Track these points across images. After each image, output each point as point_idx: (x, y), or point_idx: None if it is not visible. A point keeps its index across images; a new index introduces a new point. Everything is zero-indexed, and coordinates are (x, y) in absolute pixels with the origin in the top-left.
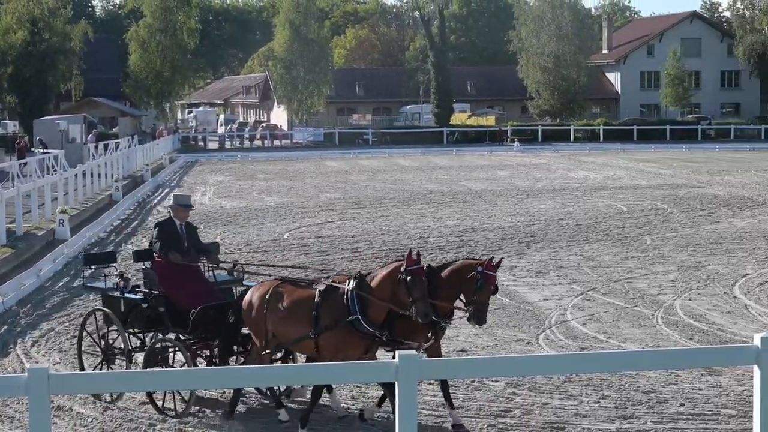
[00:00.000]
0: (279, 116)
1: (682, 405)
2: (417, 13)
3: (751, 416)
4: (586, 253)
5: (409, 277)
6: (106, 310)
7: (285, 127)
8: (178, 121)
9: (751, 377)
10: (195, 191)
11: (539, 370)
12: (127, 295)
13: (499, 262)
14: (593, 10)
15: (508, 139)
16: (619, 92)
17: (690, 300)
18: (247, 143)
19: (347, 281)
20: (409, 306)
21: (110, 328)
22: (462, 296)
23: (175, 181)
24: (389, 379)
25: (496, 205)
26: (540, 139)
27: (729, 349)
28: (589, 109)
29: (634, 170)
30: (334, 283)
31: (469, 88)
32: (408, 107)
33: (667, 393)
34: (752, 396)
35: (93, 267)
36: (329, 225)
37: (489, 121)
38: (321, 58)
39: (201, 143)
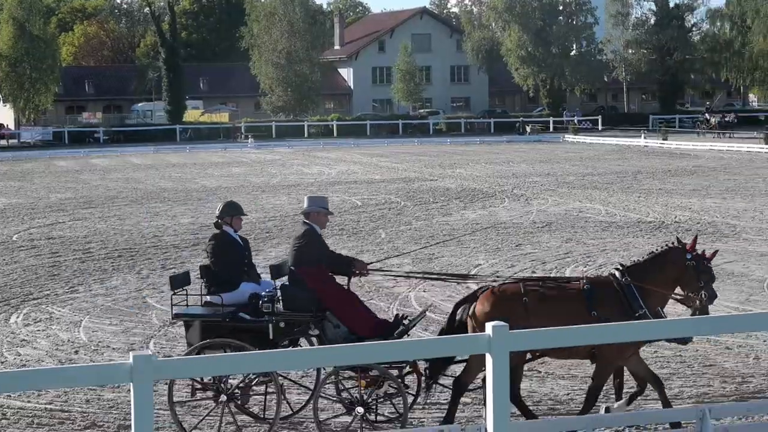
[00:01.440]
0: (5, 115)
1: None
2: (147, 10)
3: (484, 403)
4: None
5: (696, 262)
6: (238, 342)
7: (12, 127)
8: None
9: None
10: None
11: (279, 366)
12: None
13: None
14: (325, 6)
15: (242, 136)
16: (352, 88)
17: (424, 291)
18: None
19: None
20: (698, 292)
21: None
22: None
23: None
24: (123, 381)
25: None
26: (274, 135)
27: (464, 338)
28: (322, 105)
29: (368, 165)
30: (598, 277)
31: (201, 85)
32: (140, 105)
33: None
34: (485, 384)
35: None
36: (60, 225)
37: (222, 118)
38: (48, 56)
39: None
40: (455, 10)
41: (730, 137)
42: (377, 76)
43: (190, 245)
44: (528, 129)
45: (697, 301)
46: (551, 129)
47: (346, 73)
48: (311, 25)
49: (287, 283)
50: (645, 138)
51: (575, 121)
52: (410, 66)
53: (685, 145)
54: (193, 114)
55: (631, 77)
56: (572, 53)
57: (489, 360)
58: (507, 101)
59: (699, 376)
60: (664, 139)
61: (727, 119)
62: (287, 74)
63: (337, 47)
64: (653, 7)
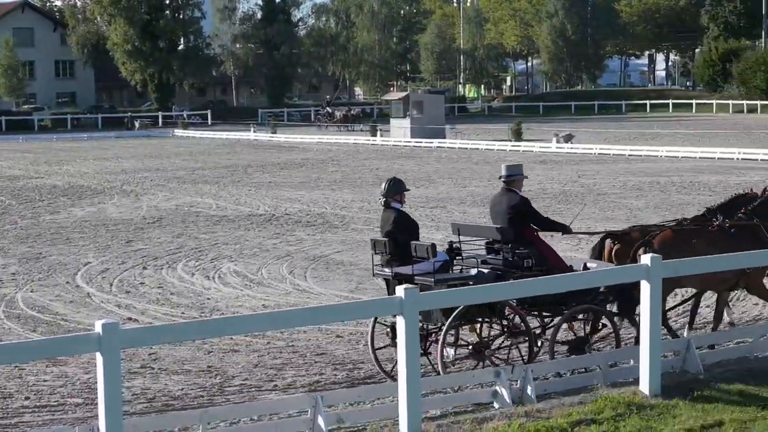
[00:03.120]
0: None
1: (27, 398)
2: None
3: (97, 402)
4: None
5: None
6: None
7: None
8: None
9: (95, 364)
10: None
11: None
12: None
13: None
14: None
15: None
16: None
17: (32, 292)
18: None
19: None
20: None
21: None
22: None
23: None
24: None
25: None
26: None
27: (73, 338)
28: None
29: None
30: (734, 221)
31: None
32: None
33: (11, 387)
34: (97, 383)
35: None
36: None
37: None
38: None
39: None
40: (59, 3)
41: (355, 131)
42: None
43: None
44: (137, 124)
45: None
46: (160, 124)
47: None
48: None
49: (511, 244)
50: (254, 132)
51: (184, 116)
52: (12, 61)
53: (294, 138)
54: None
55: (239, 71)
56: (180, 48)
57: (99, 359)
58: (115, 96)
59: (311, 365)
60: (273, 133)
61: (353, 112)
62: None
63: None
64: (260, 2)
